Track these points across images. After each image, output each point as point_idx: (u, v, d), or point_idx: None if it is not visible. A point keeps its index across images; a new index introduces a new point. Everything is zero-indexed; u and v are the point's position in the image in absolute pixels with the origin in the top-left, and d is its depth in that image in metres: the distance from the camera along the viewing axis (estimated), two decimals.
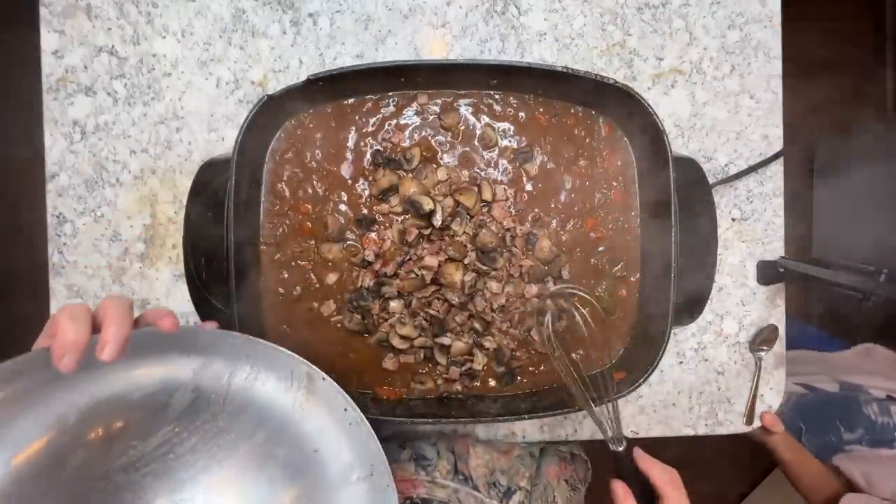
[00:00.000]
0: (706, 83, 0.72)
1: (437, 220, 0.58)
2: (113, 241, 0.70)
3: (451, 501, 0.54)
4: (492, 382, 0.62)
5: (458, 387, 0.61)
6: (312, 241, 0.61)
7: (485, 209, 0.61)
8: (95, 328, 0.33)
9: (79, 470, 0.39)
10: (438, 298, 0.60)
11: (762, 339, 0.73)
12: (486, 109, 0.62)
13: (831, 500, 0.77)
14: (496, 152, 0.62)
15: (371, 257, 0.59)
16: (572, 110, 0.62)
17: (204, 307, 0.58)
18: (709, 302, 0.63)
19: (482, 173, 0.62)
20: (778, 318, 0.74)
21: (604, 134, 0.62)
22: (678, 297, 0.56)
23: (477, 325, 0.60)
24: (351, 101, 0.61)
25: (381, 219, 0.61)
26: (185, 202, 0.60)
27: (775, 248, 0.74)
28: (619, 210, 0.62)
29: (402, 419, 0.56)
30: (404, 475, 0.57)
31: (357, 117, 0.61)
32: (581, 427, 0.73)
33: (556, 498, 0.63)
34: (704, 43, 0.72)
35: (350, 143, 0.61)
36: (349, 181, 0.61)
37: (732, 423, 0.75)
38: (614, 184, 0.62)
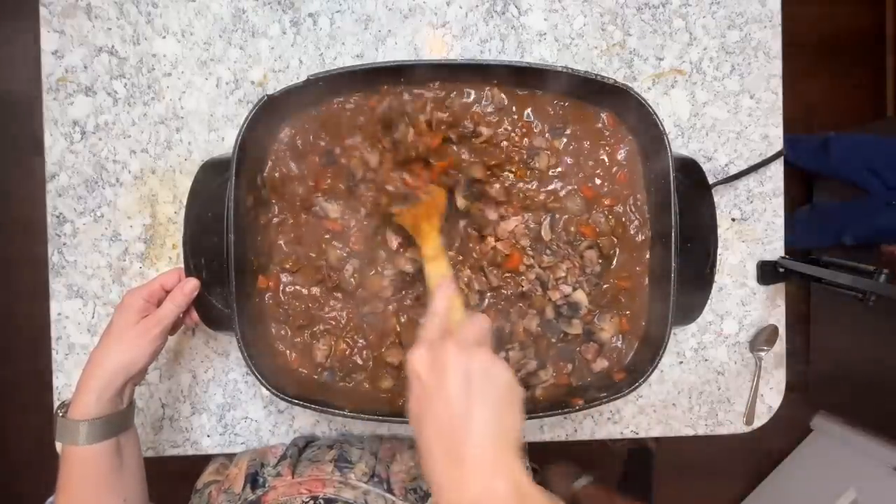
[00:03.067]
0: (706, 83, 0.72)
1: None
2: (113, 241, 0.70)
3: (359, 502, 0.54)
4: None
5: None
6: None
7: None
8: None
9: None
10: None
11: (762, 339, 0.73)
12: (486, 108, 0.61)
13: None
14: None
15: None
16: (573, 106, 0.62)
17: (204, 307, 0.58)
18: (709, 302, 0.63)
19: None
20: (778, 318, 0.74)
21: (608, 128, 0.62)
22: (678, 298, 0.56)
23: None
24: (351, 100, 0.61)
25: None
26: (185, 202, 0.60)
27: (775, 248, 0.74)
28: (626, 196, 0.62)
29: (402, 420, 0.56)
30: (320, 475, 0.57)
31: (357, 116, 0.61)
32: (581, 427, 0.73)
33: None
34: (704, 43, 0.72)
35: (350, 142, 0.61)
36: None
37: (732, 423, 0.75)
38: (617, 170, 0.62)
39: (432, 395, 0.37)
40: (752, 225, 0.73)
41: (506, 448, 0.35)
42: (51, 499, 0.52)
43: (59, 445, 0.50)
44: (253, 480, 0.58)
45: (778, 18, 0.72)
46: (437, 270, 0.51)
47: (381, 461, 0.61)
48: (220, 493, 0.59)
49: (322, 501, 0.53)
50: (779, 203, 0.73)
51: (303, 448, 0.64)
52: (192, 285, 0.55)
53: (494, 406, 0.36)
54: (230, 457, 0.69)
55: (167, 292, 0.55)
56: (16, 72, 1.51)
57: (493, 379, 0.37)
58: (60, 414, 0.50)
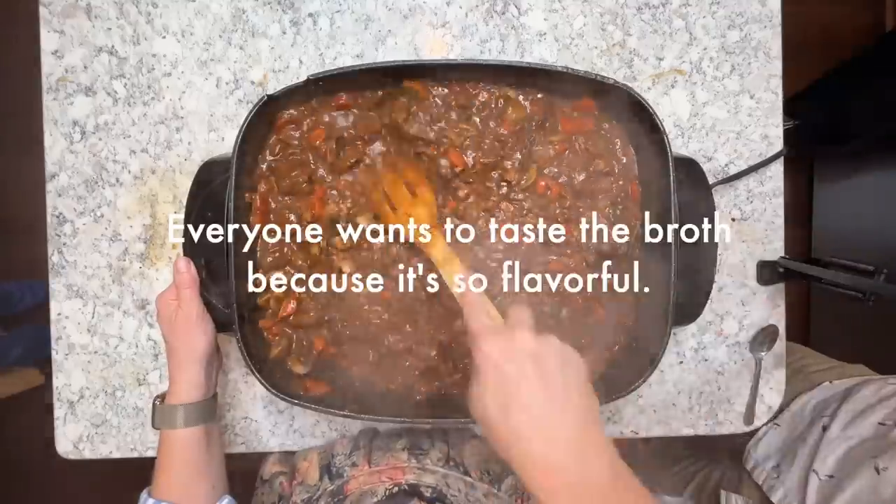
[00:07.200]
0: (706, 83, 0.72)
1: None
2: (113, 241, 0.70)
3: (440, 486, 0.55)
4: None
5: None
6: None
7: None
8: None
9: None
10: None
11: (762, 339, 0.73)
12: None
13: None
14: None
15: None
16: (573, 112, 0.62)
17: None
18: (709, 302, 0.62)
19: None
20: (778, 318, 0.74)
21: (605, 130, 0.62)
22: (678, 297, 0.56)
23: None
24: (351, 100, 0.61)
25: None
26: (185, 202, 0.60)
27: (775, 248, 0.73)
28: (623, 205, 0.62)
29: (402, 420, 0.56)
30: (397, 463, 0.58)
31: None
32: None
33: None
34: (704, 43, 0.72)
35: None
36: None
37: (732, 423, 0.75)
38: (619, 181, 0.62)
39: (519, 382, 0.37)
40: (752, 225, 0.73)
41: (595, 427, 0.37)
42: (147, 488, 0.54)
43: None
44: (328, 471, 0.60)
45: (778, 18, 0.72)
46: (453, 271, 0.51)
47: (454, 446, 0.62)
48: (291, 485, 0.61)
49: (406, 487, 0.54)
50: (779, 203, 0.73)
51: (371, 439, 0.66)
52: (181, 264, 0.56)
53: (578, 387, 0.38)
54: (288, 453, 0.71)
55: None
56: (16, 72, 1.51)
57: (572, 362, 0.39)
58: (158, 402, 0.55)
